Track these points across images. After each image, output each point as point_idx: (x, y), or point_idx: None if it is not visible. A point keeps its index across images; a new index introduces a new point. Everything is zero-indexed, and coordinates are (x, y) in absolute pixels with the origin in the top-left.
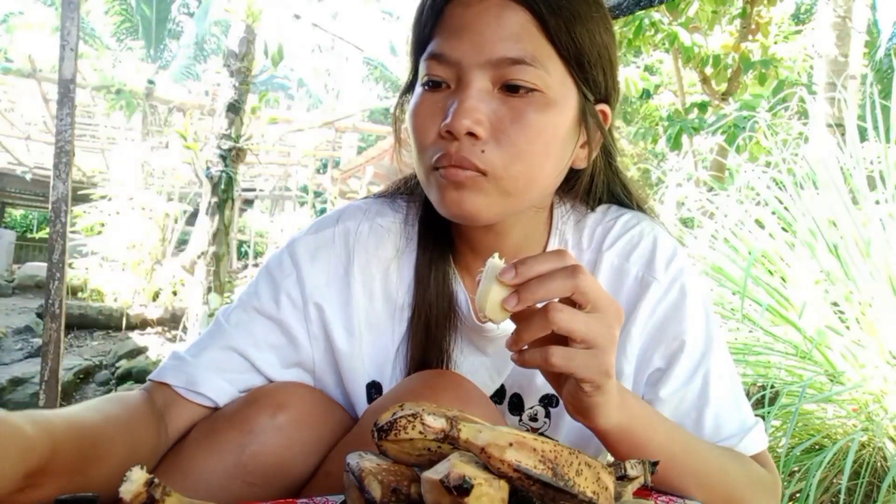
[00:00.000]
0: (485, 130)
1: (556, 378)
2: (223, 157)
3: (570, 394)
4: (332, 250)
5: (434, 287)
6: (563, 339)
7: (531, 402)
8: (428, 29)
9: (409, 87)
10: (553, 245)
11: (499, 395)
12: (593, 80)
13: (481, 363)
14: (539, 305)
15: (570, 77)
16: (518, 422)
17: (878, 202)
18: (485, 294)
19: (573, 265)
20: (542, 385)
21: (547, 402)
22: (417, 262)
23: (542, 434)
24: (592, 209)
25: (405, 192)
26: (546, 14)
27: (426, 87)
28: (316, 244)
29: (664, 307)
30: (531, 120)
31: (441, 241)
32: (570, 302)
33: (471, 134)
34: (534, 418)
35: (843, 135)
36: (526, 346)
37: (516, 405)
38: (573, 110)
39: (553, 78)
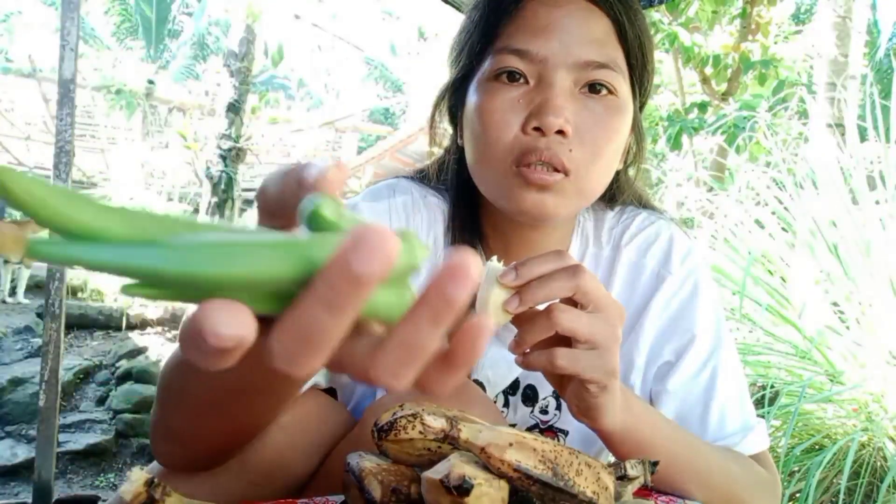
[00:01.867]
0: (572, 129)
1: (559, 380)
2: (223, 157)
3: (574, 395)
4: (393, 220)
5: None
6: (566, 341)
7: (544, 394)
8: (504, 23)
9: (460, 82)
10: (576, 242)
11: (512, 387)
12: (644, 89)
13: (502, 356)
14: (540, 307)
15: (631, 85)
16: (529, 414)
17: (878, 202)
18: (485, 297)
19: (574, 265)
20: None
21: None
22: None
23: (551, 426)
24: (611, 208)
25: (437, 180)
26: (626, 24)
27: (499, 80)
28: (377, 211)
29: (677, 301)
30: (608, 122)
31: (472, 239)
32: (571, 302)
33: (559, 132)
34: (544, 410)
35: (843, 135)
36: (528, 349)
37: (530, 397)
38: (632, 115)
39: (624, 84)
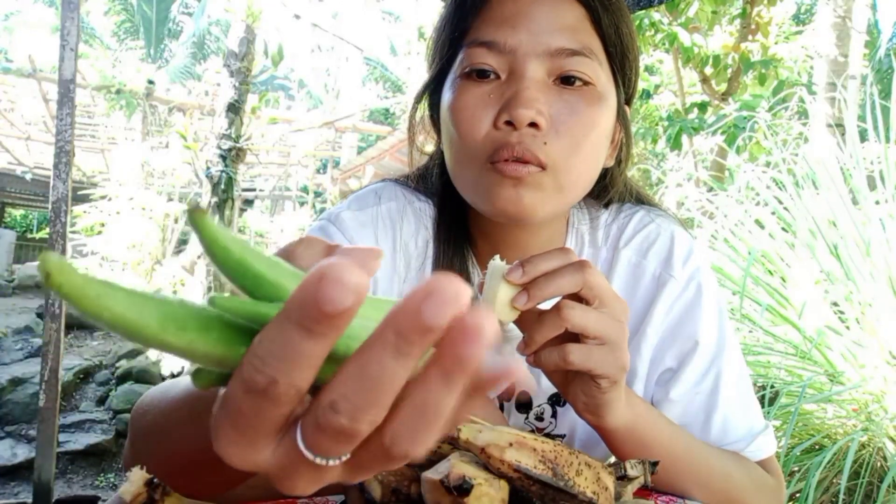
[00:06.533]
0: (546, 121)
1: (562, 378)
2: (223, 157)
3: (582, 392)
4: (379, 229)
5: None
6: (573, 339)
7: (539, 401)
8: (472, 17)
9: (436, 83)
10: (571, 244)
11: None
12: (628, 79)
13: (495, 363)
14: (542, 306)
15: (612, 74)
16: (524, 420)
17: (878, 202)
18: (492, 295)
19: (580, 261)
20: (550, 384)
21: (554, 400)
22: (438, 269)
23: (546, 434)
24: (606, 207)
25: (422, 187)
26: (600, 9)
27: (470, 77)
28: (362, 220)
29: (680, 306)
30: (586, 112)
31: (461, 244)
32: (576, 299)
33: (532, 125)
34: (539, 417)
35: (843, 135)
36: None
37: (524, 404)
38: (614, 107)
39: (602, 73)
